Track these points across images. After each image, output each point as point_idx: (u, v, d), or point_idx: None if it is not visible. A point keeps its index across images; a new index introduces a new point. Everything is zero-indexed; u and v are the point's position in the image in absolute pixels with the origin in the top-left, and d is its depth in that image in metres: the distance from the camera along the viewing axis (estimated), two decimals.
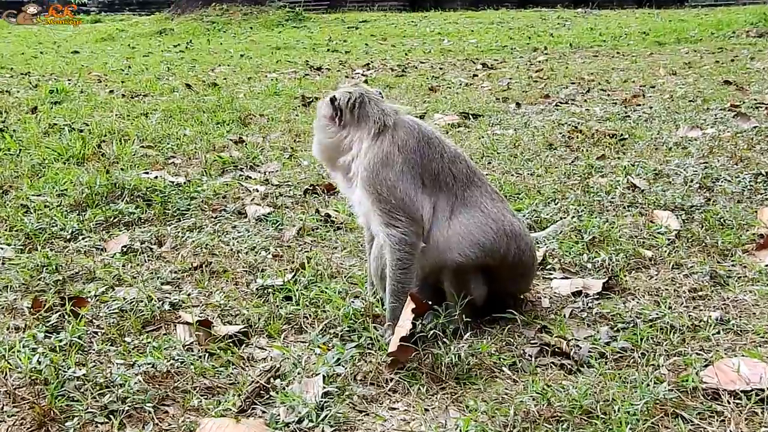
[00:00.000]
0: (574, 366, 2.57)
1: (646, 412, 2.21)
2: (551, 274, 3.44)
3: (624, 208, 4.28)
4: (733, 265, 3.45)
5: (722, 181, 4.70)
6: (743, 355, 2.54)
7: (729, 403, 2.30)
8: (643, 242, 3.75)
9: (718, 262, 3.49)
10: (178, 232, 4.10)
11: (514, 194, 4.61)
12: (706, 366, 2.49)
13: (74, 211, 4.34)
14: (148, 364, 2.55)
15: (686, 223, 3.99)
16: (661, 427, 2.21)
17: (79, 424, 2.26)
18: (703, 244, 3.67)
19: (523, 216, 4.09)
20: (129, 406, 2.34)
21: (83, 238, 3.96)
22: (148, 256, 3.74)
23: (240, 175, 5.35)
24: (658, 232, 3.84)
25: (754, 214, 4.07)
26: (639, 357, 2.61)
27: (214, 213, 4.45)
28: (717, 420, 2.24)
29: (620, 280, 3.30)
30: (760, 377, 2.35)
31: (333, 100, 2.87)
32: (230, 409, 2.33)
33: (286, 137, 6.59)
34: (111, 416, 2.29)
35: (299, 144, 6.29)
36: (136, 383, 2.42)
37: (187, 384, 2.50)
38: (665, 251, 3.62)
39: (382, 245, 2.80)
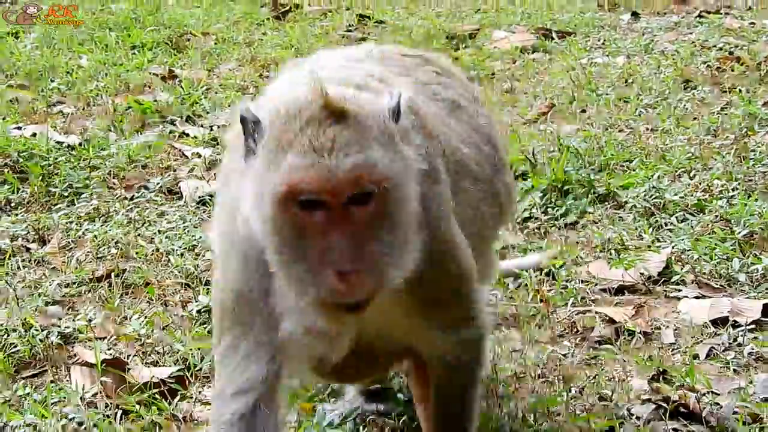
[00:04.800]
0: None
1: None
2: (679, 290, 2.93)
3: None
4: None
5: None
6: None
7: None
8: None
9: None
10: (71, 222, 3.48)
11: (624, 161, 3.73)
12: None
13: None
14: (28, 426, 2.28)
15: None
16: None
17: None
18: None
19: (637, 196, 3.40)
20: None
21: None
22: (24, 261, 3.22)
23: (171, 132, 4.39)
24: None
25: None
26: None
27: (129, 192, 3.74)
28: None
29: None
30: None
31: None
32: None
33: (247, 70, 5.54)
34: None
35: (268, 81, 5.20)
36: None
37: None
38: None
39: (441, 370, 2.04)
